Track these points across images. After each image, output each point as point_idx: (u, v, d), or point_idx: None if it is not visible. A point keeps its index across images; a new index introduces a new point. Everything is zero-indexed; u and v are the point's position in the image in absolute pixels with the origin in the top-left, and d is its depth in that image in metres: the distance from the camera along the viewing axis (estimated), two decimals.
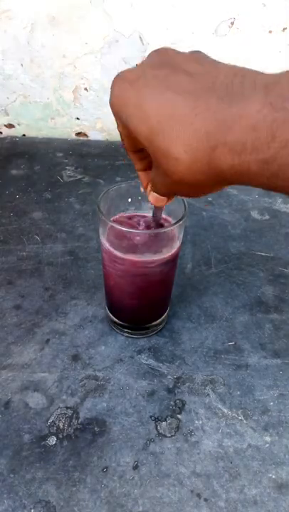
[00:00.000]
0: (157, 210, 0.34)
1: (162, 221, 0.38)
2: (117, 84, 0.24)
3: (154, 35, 0.70)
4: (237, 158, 0.18)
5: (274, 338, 0.43)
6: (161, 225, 0.36)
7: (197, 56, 0.22)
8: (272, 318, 0.46)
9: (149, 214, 0.37)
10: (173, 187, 0.24)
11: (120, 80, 0.24)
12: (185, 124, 0.20)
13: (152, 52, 0.24)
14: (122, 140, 0.29)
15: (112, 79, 0.25)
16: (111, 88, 0.25)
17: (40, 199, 0.64)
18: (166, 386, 0.38)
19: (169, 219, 0.38)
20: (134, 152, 0.30)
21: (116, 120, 0.26)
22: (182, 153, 0.20)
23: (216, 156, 0.19)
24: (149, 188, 0.30)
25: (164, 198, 0.29)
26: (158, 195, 0.29)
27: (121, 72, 0.24)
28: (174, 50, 0.24)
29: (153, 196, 0.29)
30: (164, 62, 0.22)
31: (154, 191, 0.28)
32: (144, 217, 0.38)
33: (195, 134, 0.20)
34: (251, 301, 0.48)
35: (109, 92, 0.25)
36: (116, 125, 0.27)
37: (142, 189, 0.32)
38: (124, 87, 0.23)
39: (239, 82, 0.19)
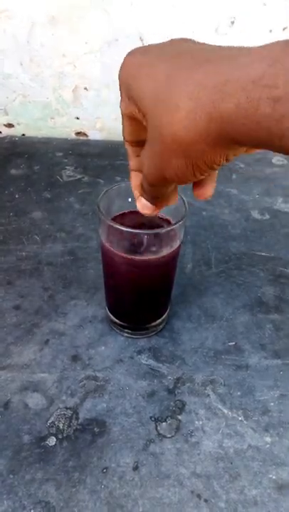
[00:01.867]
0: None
1: (162, 221, 0.38)
2: (129, 55, 0.25)
3: (154, 35, 0.70)
4: (245, 95, 0.17)
5: (274, 339, 0.43)
6: (158, 226, 0.36)
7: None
8: (273, 318, 0.46)
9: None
10: (163, 157, 0.22)
11: (132, 52, 0.25)
12: (193, 71, 0.19)
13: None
14: (122, 129, 0.28)
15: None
16: (123, 60, 0.25)
17: (40, 199, 0.64)
18: (166, 387, 0.38)
19: (169, 219, 0.38)
20: (133, 144, 0.29)
21: (121, 94, 0.25)
22: (185, 99, 0.19)
23: (221, 96, 0.18)
24: (137, 192, 0.29)
25: (151, 207, 0.29)
26: (146, 202, 0.28)
27: (133, 49, 0.25)
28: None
29: (141, 203, 0.29)
30: (178, 43, 0.23)
31: (143, 178, 0.26)
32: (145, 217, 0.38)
33: (203, 79, 0.19)
34: (252, 302, 0.48)
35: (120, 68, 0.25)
36: (117, 122, 0.28)
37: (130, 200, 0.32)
38: (136, 55, 0.24)
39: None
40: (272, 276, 0.51)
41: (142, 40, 0.71)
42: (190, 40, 0.23)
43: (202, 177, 0.23)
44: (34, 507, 0.30)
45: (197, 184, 0.27)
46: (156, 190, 0.27)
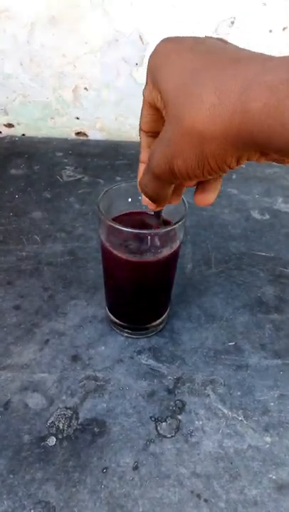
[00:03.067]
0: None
1: (162, 220, 0.38)
2: (162, 42, 0.24)
3: (154, 35, 0.70)
4: (274, 96, 0.17)
5: (274, 339, 0.43)
6: (165, 222, 0.36)
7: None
8: (273, 318, 0.46)
9: (150, 212, 0.37)
10: (177, 148, 0.22)
11: (166, 39, 0.24)
12: (222, 68, 0.20)
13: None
14: (141, 117, 0.27)
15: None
16: (156, 45, 0.25)
17: (40, 199, 0.64)
18: (166, 386, 0.38)
19: (169, 219, 0.38)
20: (148, 134, 0.28)
21: (147, 79, 0.25)
22: (210, 94, 0.19)
23: (248, 95, 0.18)
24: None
25: (153, 204, 0.28)
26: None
27: (167, 37, 0.25)
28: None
29: (144, 198, 0.28)
30: (212, 41, 0.23)
31: (147, 170, 0.25)
32: (145, 216, 0.38)
33: (231, 76, 0.19)
34: (251, 302, 0.48)
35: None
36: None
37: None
38: (168, 44, 0.24)
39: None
40: (272, 276, 0.51)
41: (142, 40, 0.71)
42: (224, 40, 0.23)
43: (209, 177, 0.23)
44: (34, 507, 0.30)
45: (200, 190, 0.27)
46: (158, 186, 0.26)
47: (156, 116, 0.26)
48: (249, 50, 0.21)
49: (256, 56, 0.20)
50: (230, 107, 0.19)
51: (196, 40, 0.23)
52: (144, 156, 0.29)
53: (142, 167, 0.30)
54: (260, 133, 0.18)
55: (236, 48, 0.22)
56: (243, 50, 0.21)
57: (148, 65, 0.25)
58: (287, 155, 0.19)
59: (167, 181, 0.25)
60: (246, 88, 0.18)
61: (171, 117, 0.22)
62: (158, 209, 0.29)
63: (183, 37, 0.24)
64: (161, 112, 0.24)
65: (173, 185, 0.27)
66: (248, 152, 0.21)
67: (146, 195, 0.27)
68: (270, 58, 0.19)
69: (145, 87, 0.26)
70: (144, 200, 0.28)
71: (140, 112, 0.27)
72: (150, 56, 0.24)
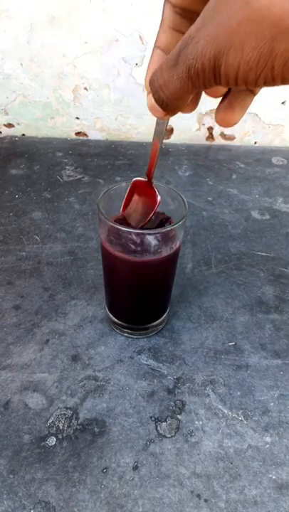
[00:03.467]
0: (156, 134, 0.27)
1: (162, 221, 0.38)
2: None
3: (154, 35, 0.70)
4: None
5: (274, 339, 0.43)
6: (158, 226, 0.36)
7: None
8: (273, 318, 0.46)
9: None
10: (235, 38, 0.15)
11: None
12: None
13: None
14: None
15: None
16: None
17: (40, 199, 0.64)
18: (166, 386, 0.38)
19: (169, 219, 0.38)
20: (176, 10, 0.21)
21: None
22: None
23: None
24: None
25: (162, 111, 0.21)
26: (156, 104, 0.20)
27: None
28: None
29: (150, 100, 0.21)
30: None
31: (179, 60, 0.18)
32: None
33: None
34: (251, 302, 0.48)
35: None
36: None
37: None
38: None
39: None
40: (272, 276, 0.51)
41: (142, 40, 0.71)
42: None
43: (262, 86, 0.17)
44: (34, 507, 0.30)
45: (226, 106, 0.21)
46: (183, 89, 0.19)
47: None
48: None
49: None
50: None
51: None
52: (163, 39, 0.22)
53: (156, 54, 0.22)
54: None
55: None
56: None
57: None
58: None
59: (201, 84, 0.18)
60: None
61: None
62: (166, 118, 0.22)
63: None
64: None
65: (193, 94, 0.20)
66: None
67: (159, 98, 0.20)
68: None
69: None
70: (151, 104, 0.21)
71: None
72: None
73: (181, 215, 0.34)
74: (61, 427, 0.35)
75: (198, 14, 0.18)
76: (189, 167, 0.73)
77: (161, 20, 0.21)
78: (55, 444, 0.34)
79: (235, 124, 0.21)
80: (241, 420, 0.36)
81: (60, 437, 0.34)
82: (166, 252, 0.35)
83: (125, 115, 0.80)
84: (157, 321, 0.43)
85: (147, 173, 0.34)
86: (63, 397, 0.37)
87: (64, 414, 0.36)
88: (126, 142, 0.82)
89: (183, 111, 0.22)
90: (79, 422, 0.35)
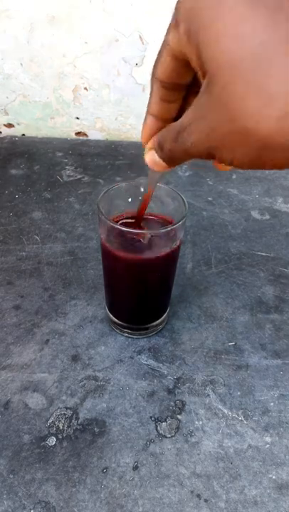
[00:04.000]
0: (151, 182, 0.29)
1: (157, 218, 0.38)
2: None
3: (154, 35, 0.70)
4: None
5: (274, 339, 0.43)
6: (158, 226, 0.36)
7: None
8: (273, 318, 0.46)
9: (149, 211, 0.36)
10: (225, 140, 0.17)
11: None
12: None
13: None
14: (156, 62, 0.21)
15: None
16: None
17: (40, 199, 0.64)
18: (166, 386, 0.38)
19: (169, 219, 0.38)
20: (165, 85, 0.22)
21: (177, 20, 0.18)
22: (283, 87, 0.14)
23: None
24: (150, 144, 0.23)
25: (164, 165, 0.23)
26: (158, 159, 0.22)
27: None
28: None
29: (151, 158, 0.23)
30: None
31: (179, 141, 0.20)
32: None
33: None
34: (251, 302, 0.48)
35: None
36: (151, 68, 0.20)
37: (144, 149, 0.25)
38: None
39: None
40: (272, 276, 0.51)
41: (142, 40, 0.71)
42: None
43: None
44: (34, 507, 0.30)
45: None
46: (185, 157, 0.21)
47: (181, 69, 0.20)
48: None
49: None
50: None
51: None
52: (154, 108, 0.23)
53: (150, 120, 0.24)
54: None
55: None
56: None
57: (180, 5, 0.18)
58: None
59: (197, 158, 0.20)
60: None
61: (221, 103, 0.16)
62: (168, 170, 0.24)
63: None
64: (193, 68, 0.18)
65: None
66: None
67: (162, 157, 0.22)
68: None
69: (171, 32, 0.19)
70: (150, 161, 0.23)
71: (157, 56, 0.21)
72: None
73: (181, 215, 0.34)
74: (61, 427, 0.35)
75: (183, 87, 0.21)
76: (189, 167, 0.73)
77: (151, 92, 0.23)
78: (55, 444, 0.34)
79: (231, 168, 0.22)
80: (241, 420, 0.36)
81: (60, 437, 0.34)
82: (166, 252, 0.35)
83: (125, 115, 0.80)
84: (157, 321, 0.43)
85: (137, 216, 0.34)
86: (63, 397, 0.37)
87: (64, 414, 0.36)
88: (126, 142, 0.82)
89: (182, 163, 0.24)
90: (79, 422, 0.35)
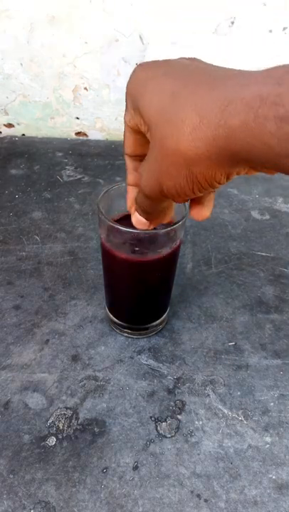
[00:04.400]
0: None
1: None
2: (137, 68, 0.24)
3: (154, 35, 0.70)
4: (252, 112, 0.17)
5: (274, 339, 0.43)
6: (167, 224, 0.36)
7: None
8: (273, 318, 0.46)
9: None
10: (163, 170, 0.22)
11: (141, 65, 0.25)
12: (200, 87, 0.20)
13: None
14: (124, 141, 0.28)
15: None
16: (132, 72, 0.25)
17: (40, 199, 0.64)
18: (166, 386, 0.38)
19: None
20: (133, 158, 0.29)
21: (127, 105, 0.25)
22: (191, 114, 0.20)
23: (227, 113, 0.18)
24: (133, 208, 0.29)
25: (146, 222, 0.29)
26: (140, 218, 0.28)
27: (142, 63, 0.25)
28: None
29: (136, 218, 0.29)
30: (187, 62, 0.23)
31: (139, 190, 0.26)
32: None
33: (210, 95, 0.19)
34: (251, 302, 0.48)
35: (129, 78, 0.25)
36: (122, 117, 0.27)
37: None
38: (144, 69, 0.24)
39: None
40: (272, 276, 0.51)
41: (141, 40, 0.71)
42: (198, 59, 0.23)
43: (200, 194, 0.23)
44: (34, 507, 0.30)
45: (195, 203, 0.27)
46: (152, 205, 0.27)
47: (140, 141, 0.27)
48: (225, 68, 0.21)
49: (232, 73, 0.20)
50: (212, 127, 0.19)
51: (170, 62, 0.23)
52: (131, 178, 0.30)
53: (130, 189, 0.30)
54: (243, 150, 0.18)
55: (211, 66, 0.22)
56: (219, 68, 0.21)
57: (127, 92, 0.25)
58: (272, 169, 0.19)
59: (158, 200, 0.25)
60: (225, 106, 0.18)
61: (156, 140, 0.22)
62: (150, 228, 0.30)
63: (157, 61, 0.24)
64: (145, 134, 0.24)
65: (167, 201, 0.27)
66: (236, 168, 0.21)
67: (142, 214, 0.28)
68: (247, 74, 0.19)
69: (126, 113, 0.26)
70: (135, 221, 0.29)
71: (123, 136, 0.28)
72: (128, 83, 0.25)
73: (181, 215, 0.34)
74: (61, 427, 0.35)
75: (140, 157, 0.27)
76: None
77: (126, 165, 0.30)
78: (55, 444, 0.34)
79: (207, 217, 0.27)
80: (241, 420, 0.36)
81: (60, 437, 0.34)
82: (166, 252, 0.35)
83: None
84: (157, 321, 0.43)
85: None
86: (63, 397, 0.37)
87: (64, 414, 0.36)
88: None
89: (163, 221, 0.31)
90: (79, 422, 0.35)
